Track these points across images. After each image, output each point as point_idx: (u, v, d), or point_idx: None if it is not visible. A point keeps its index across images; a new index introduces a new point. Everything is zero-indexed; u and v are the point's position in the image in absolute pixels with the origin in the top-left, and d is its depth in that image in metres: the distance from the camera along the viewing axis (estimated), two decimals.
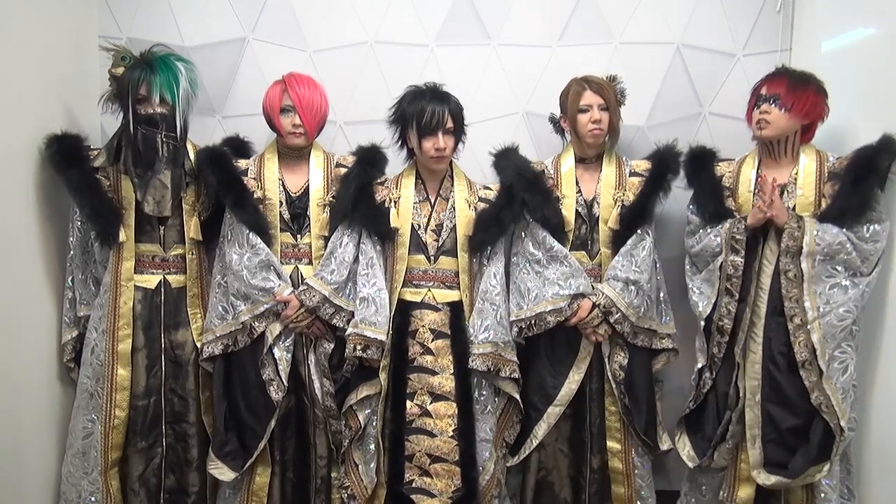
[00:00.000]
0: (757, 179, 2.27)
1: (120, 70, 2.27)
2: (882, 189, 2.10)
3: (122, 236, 2.30)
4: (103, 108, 2.35)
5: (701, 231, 2.33)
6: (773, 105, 2.18)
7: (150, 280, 2.35)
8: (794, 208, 2.20)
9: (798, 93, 2.17)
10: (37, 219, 2.29)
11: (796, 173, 2.23)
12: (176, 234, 2.36)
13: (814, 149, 2.25)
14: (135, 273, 2.34)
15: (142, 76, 2.20)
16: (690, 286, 2.37)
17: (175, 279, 2.38)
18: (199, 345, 2.36)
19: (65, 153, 2.25)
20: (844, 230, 2.09)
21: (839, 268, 2.11)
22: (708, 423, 2.31)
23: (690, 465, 2.31)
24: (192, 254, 2.38)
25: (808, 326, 2.09)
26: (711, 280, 2.28)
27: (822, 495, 2.17)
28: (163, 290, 2.36)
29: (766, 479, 2.15)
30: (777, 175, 2.23)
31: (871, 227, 2.09)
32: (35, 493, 2.32)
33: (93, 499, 2.31)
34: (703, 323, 2.30)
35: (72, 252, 2.38)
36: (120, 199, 2.31)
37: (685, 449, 2.33)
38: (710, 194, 2.31)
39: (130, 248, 2.33)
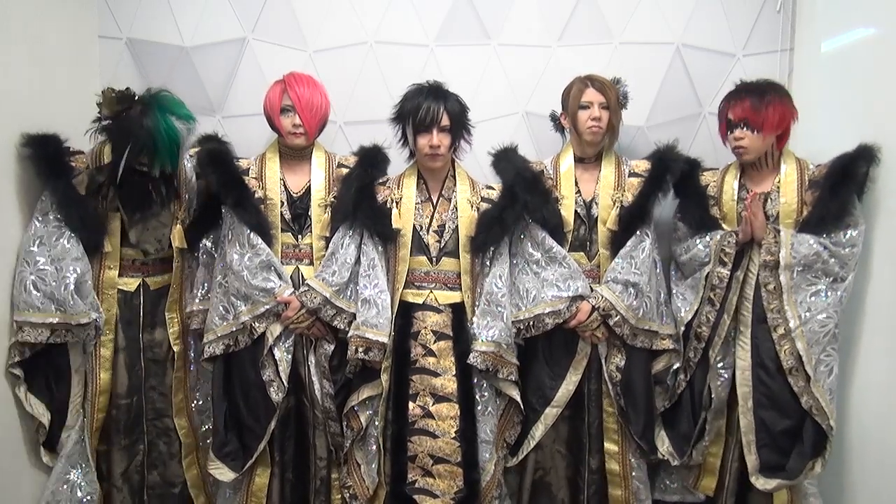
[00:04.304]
0: (739, 191, 2.33)
1: (116, 107, 2.15)
2: (860, 196, 2.18)
3: (107, 247, 2.30)
4: (90, 139, 2.25)
5: (689, 241, 2.38)
6: (744, 129, 2.24)
7: (131, 283, 2.35)
8: (777, 215, 2.27)
9: (763, 110, 2.20)
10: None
11: (779, 182, 2.29)
12: (156, 240, 2.35)
13: (794, 157, 2.32)
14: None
15: (143, 148, 2.15)
16: (675, 291, 2.43)
17: (153, 281, 2.38)
18: (175, 348, 2.39)
19: (49, 162, 2.20)
20: (821, 238, 2.16)
21: (819, 275, 2.19)
22: (682, 420, 2.38)
23: (672, 462, 2.36)
24: (177, 262, 2.38)
25: (792, 335, 2.17)
26: (696, 287, 2.35)
27: (809, 487, 2.27)
28: (142, 291, 2.37)
29: (766, 483, 2.22)
30: (760, 184, 2.32)
31: (848, 233, 2.17)
32: (35, 491, 2.32)
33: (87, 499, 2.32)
34: (682, 328, 2.36)
35: None
36: (104, 207, 2.28)
37: (664, 445, 2.39)
38: (697, 204, 2.38)
39: (115, 257, 2.32)
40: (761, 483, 2.21)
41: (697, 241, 2.34)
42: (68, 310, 2.16)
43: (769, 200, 2.29)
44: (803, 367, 2.15)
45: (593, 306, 2.29)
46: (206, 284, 2.40)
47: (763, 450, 2.24)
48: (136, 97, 2.17)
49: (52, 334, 2.16)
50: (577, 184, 2.40)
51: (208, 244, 2.41)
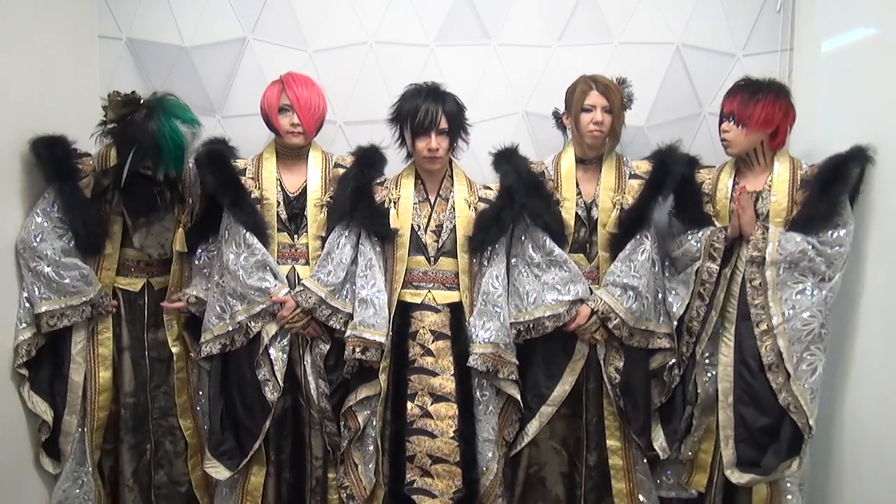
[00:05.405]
0: (733, 189, 2.33)
1: (121, 111, 2.17)
2: (854, 197, 2.18)
3: (108, 248, 2.31)
4: (96, 141, 2.28)
5: (682, 236, 2.38)
6: (731, 123, 2.25)
7: (135, 283, 2.39)
8: (767, 214, 2.26)
9: (750, 107, 2.21)
10: None
11: (771, 180, 2.28)
12: (159, 244, 2.37)
13: (788, 156, 2.31)
14: (121, 276, 2.37)
15: (147, 153, 2.16)
16: (668, 286, 2.44)
17: (157, 281, 2.42)
18: (173, 349, 2.42)
19: (57, 164, 2.21)
20: (809, 237, 2.16)
21: (805, 273, 2.18)
22: (676, 415, 2.39)
23: (662, 455, 2.38)
24: (177, 264, 2.40)
25: (774, 331, 2.17)
26: (688, 283, 2.36)
27: (788, 485, 2.26)
28: (146, 292, 2.40)
29: (740, 477, 2.23)
30: (753, 182, 2.31)
31: (836, 232, 2.16)
32: (37, 492, 2.34)
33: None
34: (675, 323, 2.37)
35: None
36: (108, 210, 2.30)
37: (658, 440, 2.40)
38: (691, 200, 2.38)
39: (114, 259, 2.34)
40: (735, 477, 2.23)
41: (689, 236, 2.35)
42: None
43: (760, 199, 2.29)
44: (783, 363, 2.15)
45: (592, 310, 2.29)
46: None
47: (741, 445, 2.25)
48: (141, 101, 2.18)
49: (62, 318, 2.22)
50: (577, 185, 2.40)
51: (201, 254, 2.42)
